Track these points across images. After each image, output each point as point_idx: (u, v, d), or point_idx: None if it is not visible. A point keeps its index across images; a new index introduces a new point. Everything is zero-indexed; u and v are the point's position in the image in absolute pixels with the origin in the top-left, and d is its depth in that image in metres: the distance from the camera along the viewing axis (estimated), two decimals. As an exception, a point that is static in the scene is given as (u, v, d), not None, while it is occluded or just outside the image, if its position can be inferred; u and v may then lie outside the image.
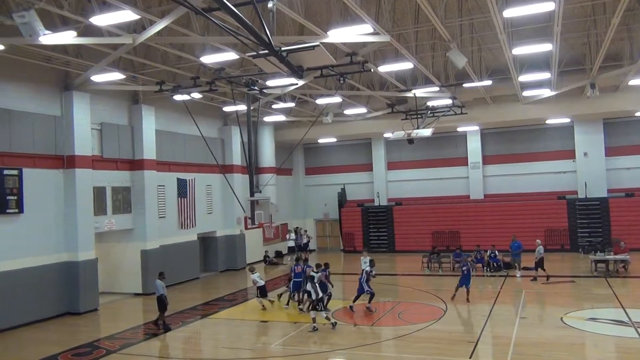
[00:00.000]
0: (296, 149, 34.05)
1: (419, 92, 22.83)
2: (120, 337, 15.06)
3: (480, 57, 21.19)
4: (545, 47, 16.57)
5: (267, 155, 30.47)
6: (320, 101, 24.30)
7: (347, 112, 27.27)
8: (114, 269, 21.86)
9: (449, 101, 23.73)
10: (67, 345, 14.18)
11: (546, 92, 23.95)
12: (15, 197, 16.52)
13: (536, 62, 20.47)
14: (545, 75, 20.79)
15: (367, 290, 16.77)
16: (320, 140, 33.41)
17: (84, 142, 18.84)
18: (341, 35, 14.60)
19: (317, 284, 15.28)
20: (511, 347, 12.49)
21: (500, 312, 16.25)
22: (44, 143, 17.87)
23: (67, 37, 13.72)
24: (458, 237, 30.11)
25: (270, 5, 10.13)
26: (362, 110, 26.98)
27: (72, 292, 18.17)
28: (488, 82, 21.47)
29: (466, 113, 25.26)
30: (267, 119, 28.13)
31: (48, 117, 18.09)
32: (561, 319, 14.94)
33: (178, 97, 20.35)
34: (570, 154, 29.81)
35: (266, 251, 30.50)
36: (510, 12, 13.15)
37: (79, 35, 14.05)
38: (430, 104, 24.08)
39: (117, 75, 18.10)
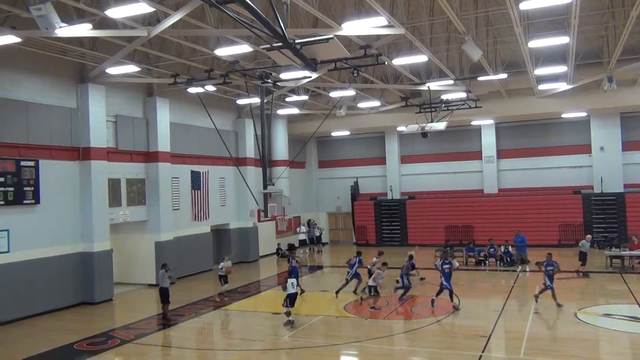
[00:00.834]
0: (309, 142, 34.06)
1: (433, 86, 22.71)
2: (135, 327, 15.24)
3: (496, 50, 21.02)
4: (562, 40, 16.38)
5: (281, 148, 30.55)
6: (334, 94, 24.27)
7: (361, 105, 27.21)
8: (128, 260, 22.10)
9: (463, 94, 23.58)
10: (83, 335, 14.38)
11: (562, 86, 23.68)
12: (32, 188, 16.74)
13: (552, 55, 20.26)
14: (561, 69, 20.57)
15: (405, 284, 17.22)
16: (334, 134, 33.38)
17: (99, 134, 19.02)
18: (355, 27, 14.54)
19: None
20: (524, 341, 12.42)
21: (514, 307, 16.18)
22: (60, 135, 18.06)
23: (83, 29, 13.83)
24: (471, 231, 29.96)
25: (284, -3, 10.12)
26: (376, 103, 26.91)
27: (87, 282, 18.41)
28: (503, 76, 21.28)
29: (481, 107, 25.06)
30: (280, 111, 28.18)
31: (64, 109, 18.27)
32: (575, 314, 14.84)
33: (192, 90, 20.46)
34: (586, 149, 29.46)
35: (278, 244, 30.60)
36: (526, 5, 13.02)
37: (95, 27, 14.16)
38: (444, 97, 23.96)
39: (132, 68, 18.22)
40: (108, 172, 19.47)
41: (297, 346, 13.14)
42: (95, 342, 13.81)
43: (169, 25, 14.31)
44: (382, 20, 13.72)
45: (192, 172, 24.38)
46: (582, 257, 20.89)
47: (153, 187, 21.77)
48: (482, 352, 11.90)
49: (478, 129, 31.38)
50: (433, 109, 23.84)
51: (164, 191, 21.98)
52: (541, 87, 23.99)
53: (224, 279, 18.41)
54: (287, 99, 26.03)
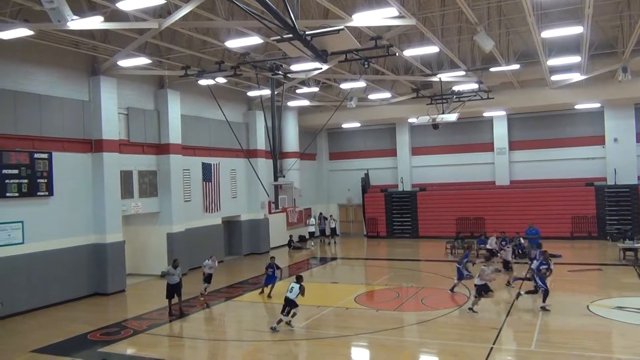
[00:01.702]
0: (320, 134, 34.04)
1: (445, 77, 22.57)
2: (147, 317, 15.39)
3: (508, 41, 20.79)
4: (576, 30, 16.15)
5: (291, 140, 30.55)
6: (345, 86, 24.20)
7: (372, 96, 27.11)
8: (140, 252, 22.29)
9: (475, 86, 23.39)
10: (97, 325, 14.56)
11: (576, 77, 23.40)
12: (46, 180, 16.91)
13: (566, 45, 20.02)
14: (575, 59, 20.32)
15: (467, 274, 17.01)
16: (344, 125, 33.30)
17: (111, 127, 19.14)
18: (366, 18, 14.46)
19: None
20: (535, 334, 12.40)
21: (525, 300, 16.09)
22: (73, 127, 18.19)
23: (95, 22, 13.87)
24: (483, 223, 29.82)
25: (294, -12, 10.08)
26: (387, 95, 26.79)
27: (100, 273, 18.61)
28: (516, 67, 21.09)
29: (492, 98, 24.86)
30: (291, 103, 28.16)
31: (76, 102, 18.39)
32: (587, 307, 14.76)
33: (203, 82, 20.48)
34: (599, 140, 29.15)
35: (290, 236, 30.70)
36: (539, -6, 12.85)
37: (106, 20, 14.22)
38: (455, 88, 23.78)
39: (143, 60, 18.28)
40: (120, 164, 19.61)
41: (308, 337, 13.20)
42: (109, 332, 13.98)
43: (180, 17, 14.33)
44: (392, 11, 13.63)
45: (203, 164, 24.49)
46: None
47: (164, 178, 21.90)
48: (494, 344, 11.89)
49: (490, 121, 31.16)
50: (444, 101, 23.69)
51: (175, 183, 22.11)
52: (554, 77, 23.72)
53: (207, 278, 17.58)
54: (298, 91, 26.01)
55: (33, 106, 16.86)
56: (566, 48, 20.10)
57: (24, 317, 15.80)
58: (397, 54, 18.28)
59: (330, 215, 33.30)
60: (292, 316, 13.54)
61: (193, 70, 19.23)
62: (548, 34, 16.49)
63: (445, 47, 18.49)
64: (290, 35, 9.59)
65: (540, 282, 14.73)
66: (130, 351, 12.82)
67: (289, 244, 30.02)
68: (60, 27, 13.38)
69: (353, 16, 14.31)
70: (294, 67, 19.17)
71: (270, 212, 27.88)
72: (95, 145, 18.75)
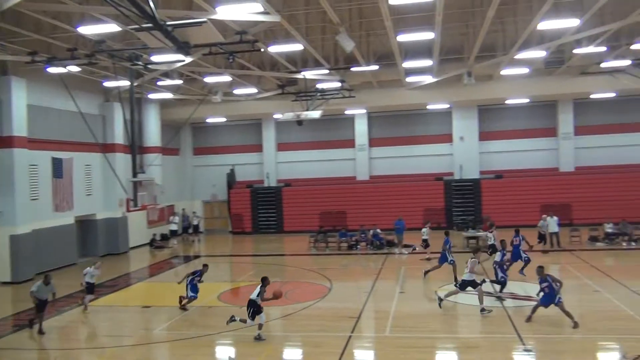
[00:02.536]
0: (184, 128, 33.04)
1: (309, 74, 23.02)
2: (-14, 329, 13.87)
3: (368, 42, 21.72)
4: (428, 35, 17.36)
5: (153, 134, 29.27)
6: (209, 79, 23.71)
7: (237, 91, 26.85)
8: (-22, 256, 19.99)
9: (337, 84, 24.20)
10: None
11: (428, 79, 25.21)
12: None
13: (420, 49, 21.39)
14: (427, 63, 21.83)
15: (451, 260, 17.40)
16: (209, 120, 32.64)
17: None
18: (230, 12, 14.24)
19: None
20: (390, 320, 13.18)
21: (382, 288, 17.04)
22: None
23: None
24: (345, 217, 31.04)
25: (153, -24, 9.63)
26: (253, 90, 26.71)
27: None
28: (375, 67, 22.17)
29: (354, 96, 25.94)
30: (152, 96, 26.96)
31: None
32: (435, 292, 15.99)
33: (53, 70, 18.85)
34: (448, 138, 31.76)
35: (154, 234, 29.47)
36: (395, 0, 13.58)
37: None
38: (319, 86, 24.42)
39: (-21, 43, 16.35)
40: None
41: (169, 339, 12.79)
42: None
43: (24, -2, 13.02)
44: (257, 6, 13.57)
45: (54, 159, 22.56)
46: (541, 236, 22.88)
47: (7, 175, 19.84)
48: (352, 332, 12.44)
49: (351, 118, 32.47)
50: (309, 98, 24.25)
51: (19, 179, 20.11)
52: (409, 79, 25.35)
53: (90, 288, 15.58)
54: (160, 83, 24.93)
55: None
56: (420, 52, 21.49)
57: None
58: (262, 50, 18.29)
59: (194, 212, 32.47)
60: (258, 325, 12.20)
61: (42, 57, 17.61)
62: (403, 37, 17.52)
63: (310, 45, 18.87)
64: (150, 25, 9.17)
65: (501, 272, 15.31)
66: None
67: (152, 243, 28.81)
68: None
69: (217, 9, 14.02)
70: (155, 58, 18.30)
71: (128, 210, 26.44)
72: None
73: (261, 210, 32.64)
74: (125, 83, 21.21)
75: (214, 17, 13.75)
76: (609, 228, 23.66)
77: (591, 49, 20.32)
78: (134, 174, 18.60)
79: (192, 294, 14.74)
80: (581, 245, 23.24)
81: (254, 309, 12.18)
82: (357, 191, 31.76)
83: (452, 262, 17.58)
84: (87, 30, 15.69)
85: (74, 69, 19.85)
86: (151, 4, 8.75)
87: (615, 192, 28.41)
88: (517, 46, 19.80)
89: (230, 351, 12.25)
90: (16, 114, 20.05)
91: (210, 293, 16.80)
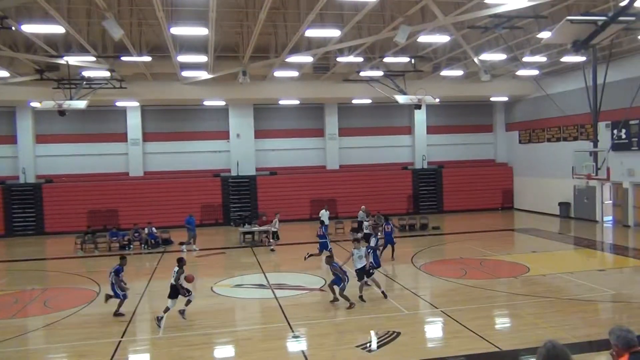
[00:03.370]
0: None
1: (73, 60, 21.06)
2: None
3: (140, 32, 20.76)
4: (202, 31, 17.23)
5: None
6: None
7: (-16, 73, 23.26)
8: None
9: (106, 73, 22.63)
10: None
11: (203, 75, 25.10)
12: None
13: (195, 44, 21.15)
14: (202, 58, 21.70)
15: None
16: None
17: None
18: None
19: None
20: (163, 320, 12.72)
21: (157, 288, 16.45)
22: None
23: None
24: (116, 215, 29.23)
25: None
26: (4, 73, 23.37)
27: None
28: (147, 58, 21.25)
29: (125, 87, 24.57)
30: None
31: None
32: (211, 288, 16.07)
33: None
34: (225, 135, 32.09)
35: None
36: (167, -9, 13.20)
37: None
38: (85, 74, 22.53)
39: None
40: None
41: None
42: None
43: None
44: (6, -22, 11.93)
45: None
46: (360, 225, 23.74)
47: None
48: (122, 337, 11.77)
49: (123, 111, 30.67)
50: (73, 86, 22.17)
51: None
52: (185, 73, 24.93)
53: None
54: None
55: None
56: (195, 47, 21.25)
57: None
58: (13, 28, 16.13)
59: None
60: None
61: None
62: (177, 30, 17.13)
63: (72, 28, 17.22)
64: None
65: (373, 261, 14.98)
66: None
67: None
68: None
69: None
70: None
71: None
72: None
73: (16, 210, 28.85)
74: None
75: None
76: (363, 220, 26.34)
77: (351, 58, 22.47)
78: None
79: None
80: (344, 236, 25.56)
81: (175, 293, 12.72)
82: (130, 188, 30.17)
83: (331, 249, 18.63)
84: None
85: None
86: None
87: (372, 187, 32.00)
88: (287, 50, 20.89)
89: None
90: None
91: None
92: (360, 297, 14.01)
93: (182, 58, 21.34)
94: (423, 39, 20.02)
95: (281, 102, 31.08)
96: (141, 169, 31.11)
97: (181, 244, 23.57)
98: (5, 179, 29.34)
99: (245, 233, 24.81)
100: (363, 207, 25.26)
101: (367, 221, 21.96)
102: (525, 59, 24.10)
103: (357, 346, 10.73)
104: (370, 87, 26.94)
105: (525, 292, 14.41)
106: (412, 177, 33.47)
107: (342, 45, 20.78)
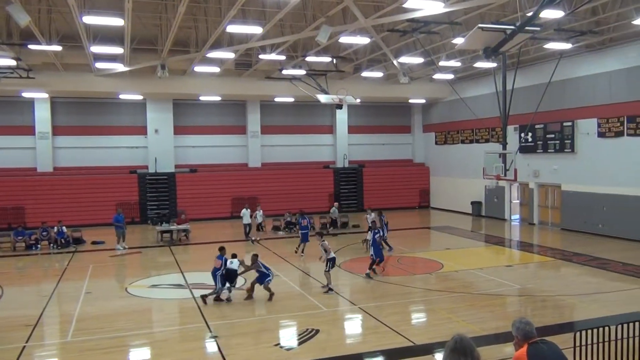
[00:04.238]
0: None
1: (-26, 47, 19.57)
2: None
3: (50, 19, 19.60)
4: (117, 21, 16.51)
5: None
6: None
7: None
8: None
9: (12, 62, 21.15)
10: None
11: (119, 67, 24.10)
12: None
13: (110, 34, 20.27)
14: (118, 50, 20.83)
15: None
16: None
17: None
18: None
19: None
20: (73, 324, 12.17)
21: (66, 290, 15.65)
22: None
23: None
24: (23, 213, 27.48)
25: None
26: None
27: None
28: (58, 48, 20.10)
29: (33, 78, 23.12)
30: None
31: None
32: (126, 289, 15.48)
33: None
34: (142, 130, 31.00)
35: None
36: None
37: None
38: (-12, 62, 20.96)
39: None
40: None
41: None
42: None
43: None
44: None
45: None
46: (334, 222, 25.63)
47: None
48: (27, 342, 11.06)
49: (30, 102, 28.85)
50: (-27, 74, 20.59)
51: None
52: (99, 65, 23.82)
53: None
54: None
55: None
56: (110, 38, 20.36)
57: None
58: None
59: None
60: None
61: None
62: (90, 20, 16.28)
63: (-27, 12, 16.01)
64: None
65: (374, 253, 16.28)
66: None
67: None
68: None
69: None
70: None
71: None
72: None
73: None
74: None
75: None
76: (288, 218, 26.45)
77: (273, 56, 22.41)
78: None
79: None
80: (265, 234, 25.45)
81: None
82: (38, 184, 28.45)
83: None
84: None
85: None
86: None
87: (294, 186, 32.09)
88: (208, 45, 20.50)
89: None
90: None
91: None
92: (330, 287, 14.62)
93: (96, 49, 20.35)
94: (344, 39, 20.34)
95: (202, 98, 30.46)
96: (50, 165, 29.40)
97: (94, 242, 22.59)
98: None
99: (163, 232, 24.10)
100: (336, 203, 26.43)
101: (370, 216, 22.02)
102: (441, 63, 25.11)
103: (275, 345, 10.72)
104: (292, 86, 26.99)
105: (440, 288, 15.00)
106: (334, 176, 33.89)
107: (264, 43, 20.67)
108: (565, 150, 24.54)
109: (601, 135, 22.90)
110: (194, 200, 30.22)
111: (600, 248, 20.24)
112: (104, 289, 15.61)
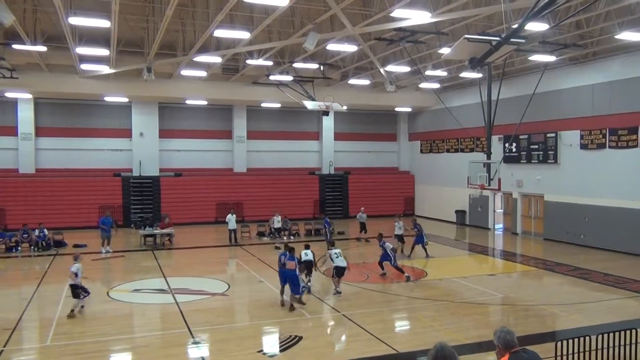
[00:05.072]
0: None
1: (-44, 45, 19.31)
2: None
3: (35, 19, 19.40)
4: (104, 23, 16.39)
5: None
6: None
7: None
8: None
9: (-4, 61, 20.92)
10: None
11: (105, 69, 23.90)
12: None
13: (96, 36, 20.11)
14: (104, 52, 20.66)
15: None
16: None
17: None
18: None
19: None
20: (53, 327, 12.00)
21: (46, 293, 15.42)
22: None
23: None
24: (4, 215, 27.08)
25: None
26: None
27: None
28: (42, 48, 19.90)
29: (17, 78, 22.85)
30: None
31: None
32: (107, 293, 15.29)
33: None
34: (127, 133, 30.75)
35: None
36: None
37: None
38: (-30, 61, 20.69)
39: None
40: None
41: None
42: None
43: None
44: None
45: None
46: (362, 226, 25.37)
47: None
48: (4, 346, 10.87)
49: (13, 102, 28.49)
50: (-45, 73, 20.30)
51: None
52: (84, 66, 23.60)
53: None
54: None
55: None
56: (96, 39, 20.19)
57: None
58: None
59: None
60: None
61: None
62: (76, 21, 16.16)
63: (-44, 10, 15.76)
64: None
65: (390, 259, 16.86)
66: None
67: None
68: None
69: None
70: None
71: None
72: None
73: None
74: None
75: None
76: (277, 224, 26.28)
77: (260, 61, 22.40)
78: None
79: None
80: (250, 240, 25.35)
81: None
82: (19, 185, 28.07)
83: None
84: None
85: None
86: None
87: (279, 191, 32.00)
88: (195, 49, 20.43)
89: None
90: None
91: None
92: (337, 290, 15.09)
93: (82, 50, 20.16)
94: (332, 47, 20.41)
95: (188, 101, 30.33)
96: (33, 166, 29.01)
97: (76, 245, 22.33)
98: None
99: (146, 236, 23.87)
100: (362, 208, 26.38)
101: (399, 223, 22.29)
102: (428, 72, 25.30)
103: (258, 351, 10.65)
104: (279, 92, 26.99)
105: (423, 296, 15.04)
106: (319, 183, 33.89)
107: (252, 48, 20.66)
108: (549, 161, 24.83)
109: (583, 147, 23.22)
110: (178, 204, 30.01)
111: (581, 258, 20.47)
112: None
